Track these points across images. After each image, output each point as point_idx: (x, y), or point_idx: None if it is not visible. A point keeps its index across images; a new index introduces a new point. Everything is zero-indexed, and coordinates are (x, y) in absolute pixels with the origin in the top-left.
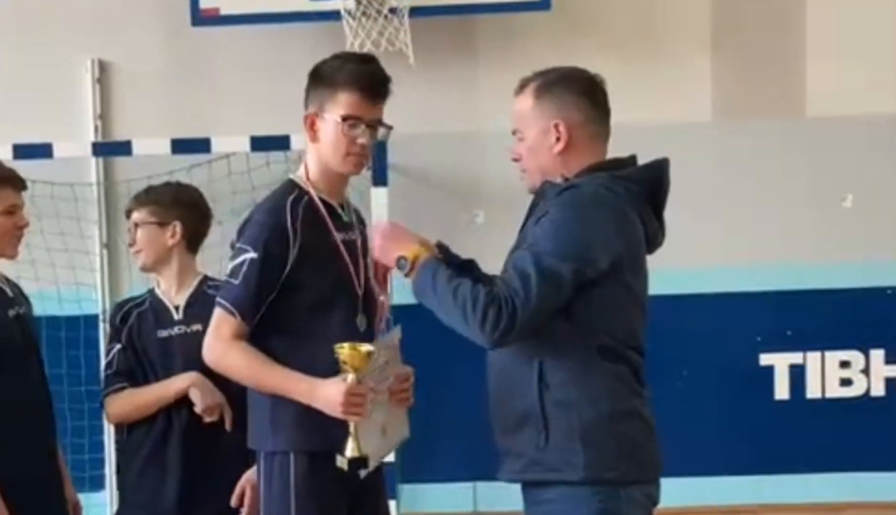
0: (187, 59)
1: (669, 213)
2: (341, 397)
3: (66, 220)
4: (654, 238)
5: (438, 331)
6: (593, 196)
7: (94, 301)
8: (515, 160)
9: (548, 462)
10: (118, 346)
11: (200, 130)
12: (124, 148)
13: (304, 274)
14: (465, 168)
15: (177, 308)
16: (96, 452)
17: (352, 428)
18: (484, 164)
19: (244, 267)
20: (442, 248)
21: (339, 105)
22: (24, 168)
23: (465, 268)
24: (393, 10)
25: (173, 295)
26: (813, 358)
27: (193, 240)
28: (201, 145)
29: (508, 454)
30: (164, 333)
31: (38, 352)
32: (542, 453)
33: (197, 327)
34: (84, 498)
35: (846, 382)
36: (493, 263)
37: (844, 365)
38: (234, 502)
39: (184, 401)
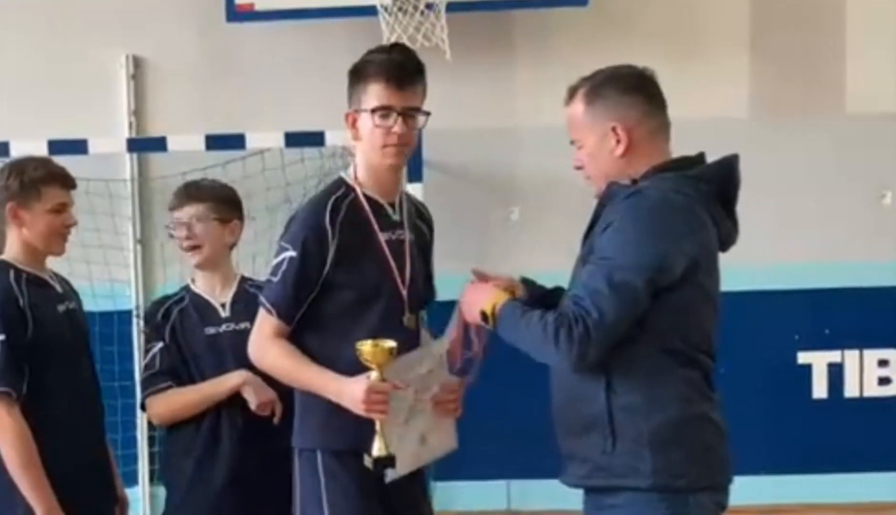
0: (221, 54)
1: None
2: (363, 394)
3: (101, 216)
4: (727, 236)
5: None
6: (661, 200)
7: (128, 297)
8: (578, 168)
9: (614, 468)
10: (160, 345)
11: (234, 126)
12: (159, 144)
13: (342, 273)
14: (501, 164)
15: (223, 305)
16: (129, 448)
17: (377, 427)
18: (519, 160)
19: (284, 266)
20: (527, 282)
21: (370, 97)
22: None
23: (551, 296)
24: (430, 6)
25: (217, 292)
26: (851, 357)
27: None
28: (236, 141)
29: (573, 458)
30: (211, 330)
31: (88, 348)
32: (608, 458)
33: (245, 324)
34: None
35: (884, 381)
36: (527, 260)
37: (883, 363)
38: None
39: (234, 399)
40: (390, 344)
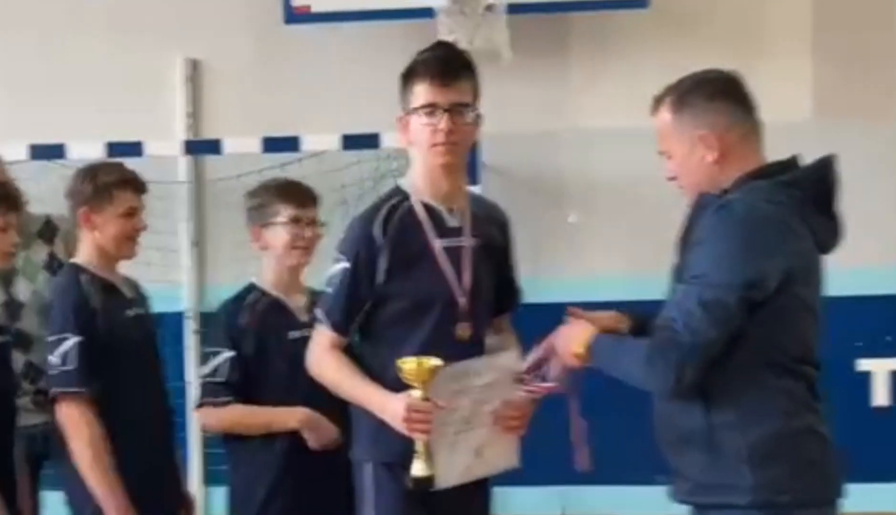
0: (277, 56)
1: None
2: (403, 412)
3: (156, 218)
4: (827, 240)
5: (526, 333)
6: (750, 213)
7: (181, 299)
8: (671, 178)
9: (714, 485)
10: (229, 354)
11: (290, 128)
12: (215, 146)
13: (396, 283)
14: (558, 167)
15: (299, 309)
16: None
17: (418, 447)
18: (577, 164)
19: (338, 277)
20: (632, 314)
21: (416, 96)
22: None
23: (649, 320)
24: (489, 8)
25: (293, 296)
26: None
27: None
28: (292, 144)
29: (677, 474)
30: (295, 334)
31: (156, 351)
32: (708, 475)
33: None
34: None
35: None
36: (584, 264)
37: None
38: None
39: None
40: (434, 362)
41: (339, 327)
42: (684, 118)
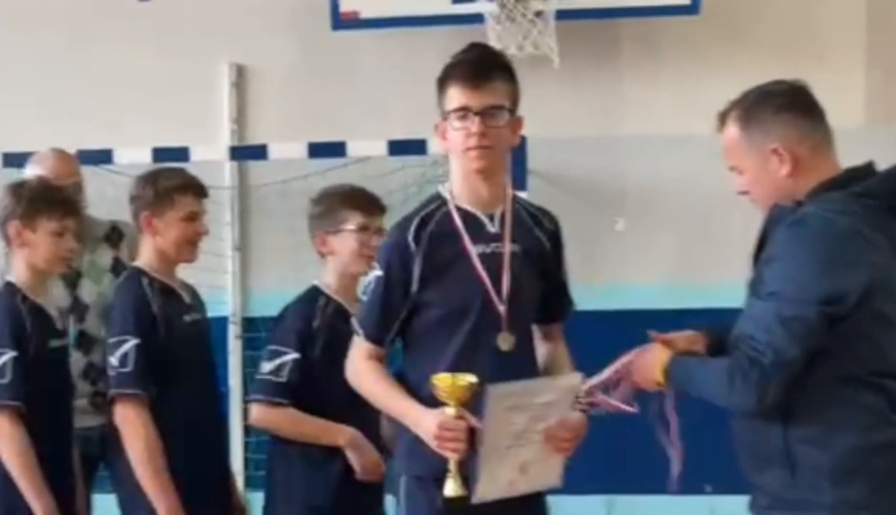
0: (323, 62)
1: None
2: (435, 429)
3: None
4: None
5: (573, 340)
6: (826, 227)
7: (225, 303)
8: (742, 193)
9: (793, 501)
10: (294, 356)
11: (334, 134)
12: (260, 152)
13: (430, 291)
14: (606, 173)
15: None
16: None
17: (451, 466)
18: (625, 170)
19: (371, 286)
20: (711, 331)
21: (449, 101)
22: None
23: (725, 338)
24: (538, 14)
25: (352, 303)
26: None
27: None
28: (337, 149)
29: (756, 489)
30: None
31: (211, 357)
32: (787, 491)
33: None
34: None
35: None
36: (632, 271)
37: None
38: None
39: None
40: (469, 379)
41: (373, 337)
42: (753, 132)
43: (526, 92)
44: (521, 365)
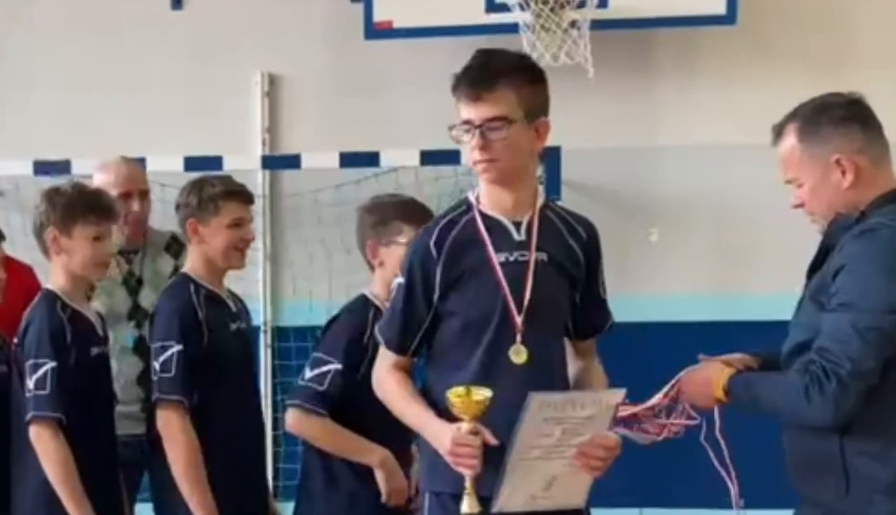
0: (356, 71)
1: None
2: (449, 444)
3: None
4: None
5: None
6: (895, 237)
7: (257, 312)
8: (798, 206)
9: (846, 512)
10: (337, 366)
11: (368, 144)
12: (293, 161)
13: (452, 299)
14: (641, 184)
15: None
16: None
17: (466, 483)
18: (660, 180)
19: (394, 293)
20: (757, 354)
21: (459, 114)
22: None
23: (776, 359)
24: (573, 24)
25: None
26: None
27: None
28: (370, 159)
29: (805, 500)
30: None
31: (253, 366)
32: (840, 503)
33: None
34: None
35: None
36: (666, 282)
37: None
38: None
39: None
40: (484, 393)
41: (396, 345)
42: (813, 143)
43: (561, 102)
44: (535, 380)
